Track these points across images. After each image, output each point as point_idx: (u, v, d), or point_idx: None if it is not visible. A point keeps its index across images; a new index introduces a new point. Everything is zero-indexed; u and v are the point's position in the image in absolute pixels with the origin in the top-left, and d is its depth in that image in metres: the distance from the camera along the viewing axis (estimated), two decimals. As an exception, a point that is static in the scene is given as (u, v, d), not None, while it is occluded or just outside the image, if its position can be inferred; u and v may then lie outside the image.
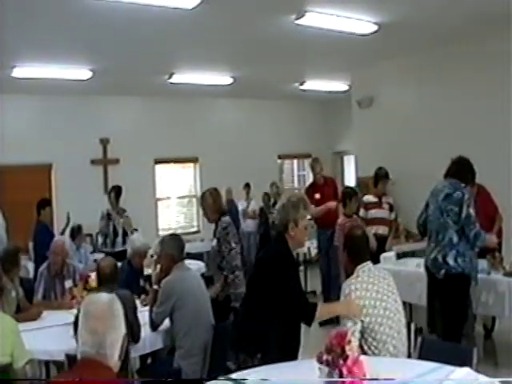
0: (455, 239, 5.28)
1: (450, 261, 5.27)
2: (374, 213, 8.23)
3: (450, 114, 8.84)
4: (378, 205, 8.32)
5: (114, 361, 2.44)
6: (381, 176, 8.48)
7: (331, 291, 8.63)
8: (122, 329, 2.50)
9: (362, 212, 8.09)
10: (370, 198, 8.39)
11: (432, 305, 5.94)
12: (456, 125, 8.66)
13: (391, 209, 8.42)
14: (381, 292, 3.85)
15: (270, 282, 3.78)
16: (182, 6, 6.15)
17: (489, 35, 7.86)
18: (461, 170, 5.53)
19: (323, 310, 3.82)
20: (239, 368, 3.61)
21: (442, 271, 5.33)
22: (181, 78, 10.20)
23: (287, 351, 3.75)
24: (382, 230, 8.14)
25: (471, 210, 5.24)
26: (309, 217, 4.09)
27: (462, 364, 3.28)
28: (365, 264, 4.00)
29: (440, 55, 8.94)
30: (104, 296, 2.56)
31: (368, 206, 8.26)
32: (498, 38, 7.76)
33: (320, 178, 8.84)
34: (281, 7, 6.60)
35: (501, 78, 7.75)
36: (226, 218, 5.94)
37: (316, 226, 8.72)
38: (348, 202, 7.55)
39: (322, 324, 5.23)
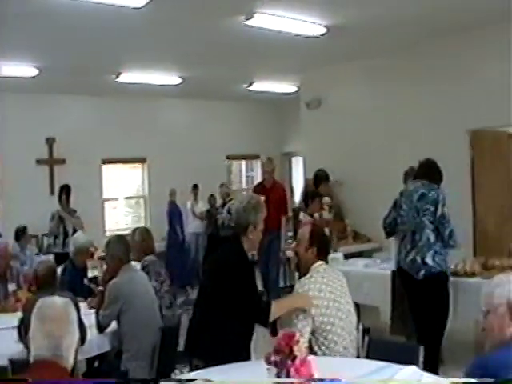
0: (432, 238, 5.37)
1: (429, 261, 5.35)
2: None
3: (397, 116, 8.97)
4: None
5: (69, 364, 2.46)
6: (321, 177, 8.47)
7: (270, 293, 8.65)
8: (76, 333, 2.53)
9: (301, 215, 7.92)
10: None
11: (400, 307, 6.03)
12: (404, 126, 8.79)
13: (329, 209, 8.43)
14: (334, 293, 3.87)
15: (226, 285, 3.73)
16: (130, 4, 6.08)
17: (436, 36, 8.02)
18: (429, 171, 5.65)
19: (277, 307, 3.78)
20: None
21: (422, 272, 5.38)
22: (129, 77, 10.09)
23: (241, 355, 3.72)
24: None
25: (446, 210, 5.36)
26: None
27: (408, 362, 3.33)
28: (320, 263, 4.01)
29: (388, 57, 9.05)
30: (59, 300, 2.57)
31: None
32: (444, 39, 7.96)
33: (270, 181, 8.81)
34: (230, 8, 6.61)
35: (449, 79, 7.94)
36: (150, 257, 5.69)
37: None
38: (310, 203, 7.62)
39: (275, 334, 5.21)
